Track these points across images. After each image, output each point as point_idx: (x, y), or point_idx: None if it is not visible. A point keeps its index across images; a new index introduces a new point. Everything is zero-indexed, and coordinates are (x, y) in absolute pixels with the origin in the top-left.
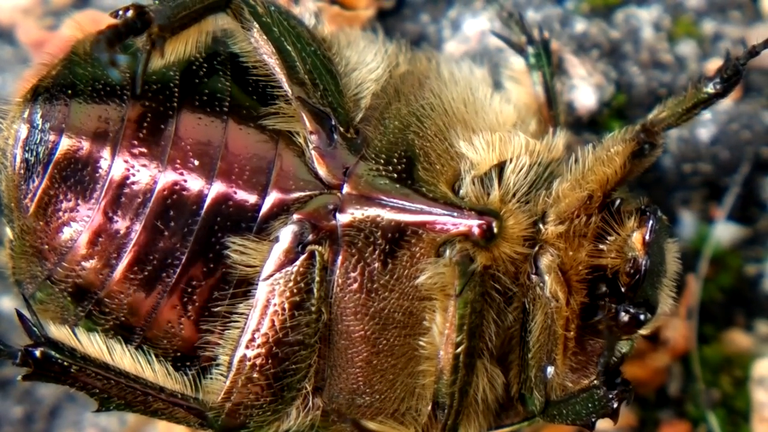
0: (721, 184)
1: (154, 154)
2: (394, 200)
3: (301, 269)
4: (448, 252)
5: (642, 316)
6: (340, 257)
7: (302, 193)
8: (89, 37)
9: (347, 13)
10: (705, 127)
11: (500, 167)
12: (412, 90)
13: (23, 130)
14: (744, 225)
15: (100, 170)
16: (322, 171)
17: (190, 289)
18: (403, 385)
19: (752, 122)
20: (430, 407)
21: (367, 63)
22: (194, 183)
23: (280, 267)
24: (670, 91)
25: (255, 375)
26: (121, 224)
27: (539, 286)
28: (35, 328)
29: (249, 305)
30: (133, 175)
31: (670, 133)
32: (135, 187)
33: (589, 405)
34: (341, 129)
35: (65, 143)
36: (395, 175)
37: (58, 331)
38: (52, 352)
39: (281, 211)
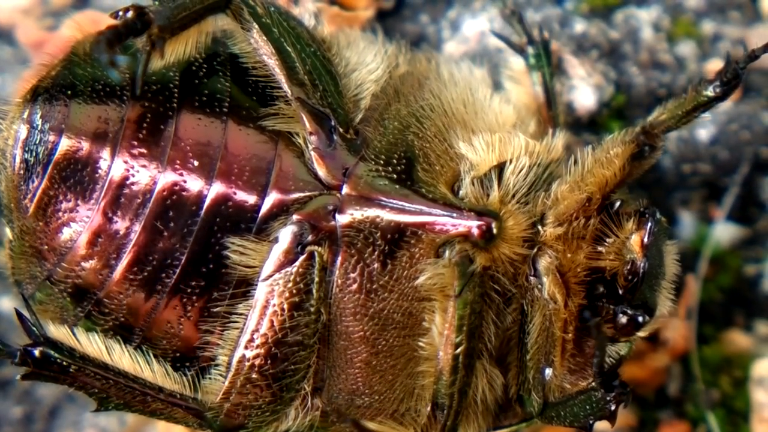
0: (721, 184)
1: (154, 154)
2: (394, 201)
3: (300, 270)
4: (447, 253)
5: (640, 318)
6: (339, 258)
7: (302, 194)
8: (89, 37)
9: (347, 14)
10: (704, 128)
11: (500, 168)
12: (411, 91)
13: (23, 131)
14: (743, 225)
15: (99, 171)
16: (321, 172)
17: (189, 290)
18: (402, 386)
19: (752, 122)
20: (429, 408)
21: (367, 64)
22: (194, 183)
23: (280, 267)
24: (670, 91)
25: (254, 375)
26: (120, 225)
27: (537, 288)
28: (34, 328)
29: (248, 306)
30: (133, 175)
31: (670, 133)
32: (134, 187)
33: (587, 407)
34: (341, 130)
35: (65, 144)
36: (395, 176)
37: (58, 331)
38: (51, 352)
39: (281, 211)
